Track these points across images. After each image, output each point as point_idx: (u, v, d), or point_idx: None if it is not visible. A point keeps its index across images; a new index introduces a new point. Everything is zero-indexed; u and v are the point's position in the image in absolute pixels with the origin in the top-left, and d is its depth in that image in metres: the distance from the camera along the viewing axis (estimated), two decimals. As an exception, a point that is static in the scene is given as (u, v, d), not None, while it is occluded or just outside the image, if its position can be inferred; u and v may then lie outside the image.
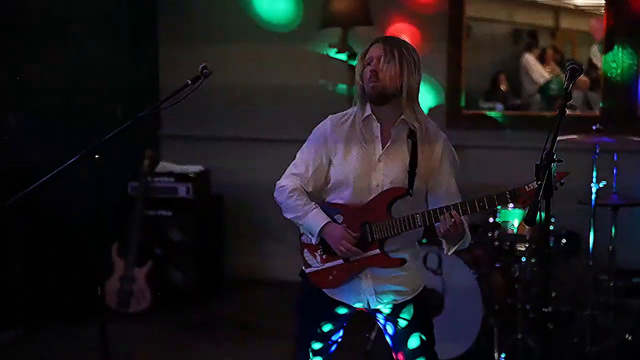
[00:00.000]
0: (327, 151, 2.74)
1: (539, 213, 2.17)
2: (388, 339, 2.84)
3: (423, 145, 2.68)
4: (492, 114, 5.56)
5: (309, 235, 2.76)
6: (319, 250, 2.77)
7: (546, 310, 3.21)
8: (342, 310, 2.81)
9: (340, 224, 2.71)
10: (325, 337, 2.83)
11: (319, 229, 2.70)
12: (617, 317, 4.40)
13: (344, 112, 2.79)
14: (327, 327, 2.82)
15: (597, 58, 5.46)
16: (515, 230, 4.23)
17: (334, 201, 2.76)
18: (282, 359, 4.17)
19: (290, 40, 5.60)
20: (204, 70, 2.78)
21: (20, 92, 4.89)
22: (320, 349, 2.84)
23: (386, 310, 2.78)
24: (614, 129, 4.29)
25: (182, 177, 5.40)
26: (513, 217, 4.23)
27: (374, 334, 4.20)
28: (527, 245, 4.18)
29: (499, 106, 5.75)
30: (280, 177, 2.81)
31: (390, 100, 2.66)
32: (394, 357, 2.81)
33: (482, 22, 6.10)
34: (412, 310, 2.76)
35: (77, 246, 4.96)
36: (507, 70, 6.29)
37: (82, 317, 4.63)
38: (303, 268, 2.85)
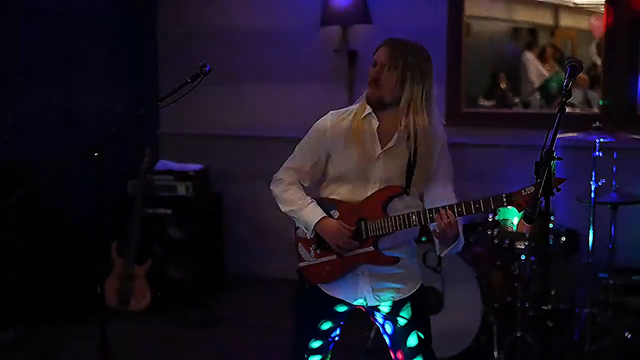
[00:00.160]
0: (327, 146, 2.74)
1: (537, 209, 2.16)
2: (386, 337, 2.84)
3: (423, 145, 2.67)
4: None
5: (304, 230, 2.76)
6: (313, 245, 2.77)
7: (546, 308, 3.21)
8: (341, 308, 2.81)
9: (335, 219, 2.71)
10: (324, 335, 2.83)
11: (314, 223, 2.70)
12: (617, 315, 4.39)
13: (346, 108, 2.79)
14: (326, 325, 2.81)
15: (597, 56, 5.47)
16: (514, 228, 4.25)
17: (331, 197, 2.76)
18: (281, 357, 4.17)
19: (290, 40, 5.60)
20: (204, 68, 2.78)
21: (20, 91, 4.89)
22: (320, 347, 2.83)
23: (385, 308, 2.78)
24: (614, 127, 4.29)
25: (181, 176, 5.39)
26: (512, 215, 4.25)
27: (373, 333, 4.20)
28: (526, 243, 4.19)
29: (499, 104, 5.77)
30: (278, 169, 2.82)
31: (389, 108, 2.66)
32: (392, 355, 2.81)
33: (481, 20, 6.10)
34: (410, 308, 2.76)
35: (76, 245, 4.97)
36: (507, 69, 6.29)
37: (81, 315, 4.65)
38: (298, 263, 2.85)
